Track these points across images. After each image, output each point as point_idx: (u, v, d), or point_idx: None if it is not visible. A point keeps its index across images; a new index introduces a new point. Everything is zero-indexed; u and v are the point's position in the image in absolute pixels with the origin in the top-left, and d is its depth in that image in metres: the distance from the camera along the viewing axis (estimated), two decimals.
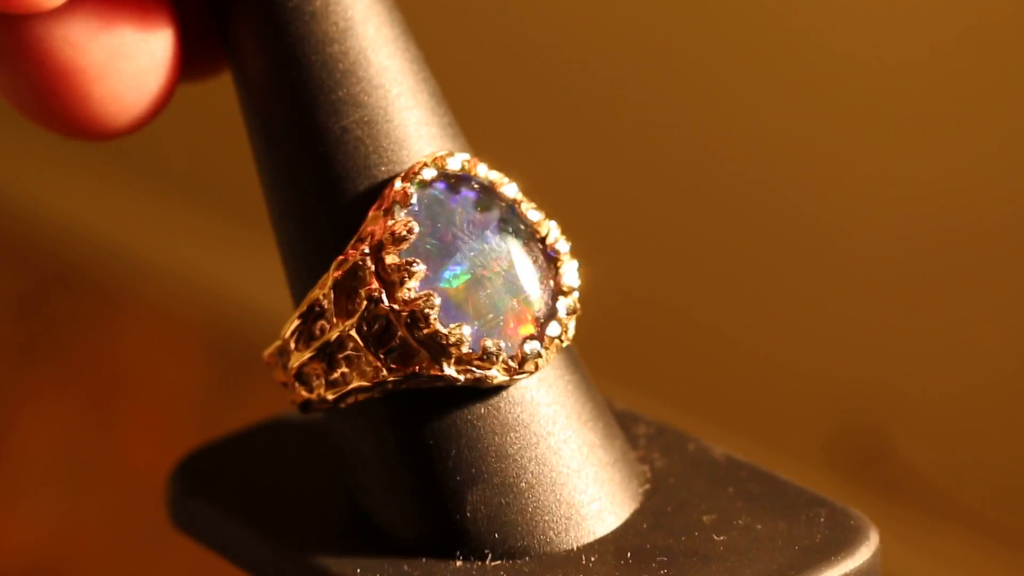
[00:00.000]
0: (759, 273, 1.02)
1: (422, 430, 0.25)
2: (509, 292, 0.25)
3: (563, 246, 0.26)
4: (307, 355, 0.26)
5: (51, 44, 0.25)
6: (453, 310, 0.24)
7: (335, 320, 0.25)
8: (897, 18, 0.91)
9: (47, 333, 1.28)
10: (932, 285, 0.96)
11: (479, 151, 0.26)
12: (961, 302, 0.96)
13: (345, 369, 0.25)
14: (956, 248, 0.95)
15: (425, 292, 0.24)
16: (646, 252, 1.04)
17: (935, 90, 0.92)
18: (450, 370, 0.24)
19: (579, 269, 0.26)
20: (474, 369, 0.24)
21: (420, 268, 0.24)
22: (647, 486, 0.26)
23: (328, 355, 0.25)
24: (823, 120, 0.96)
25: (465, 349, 0.24)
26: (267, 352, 0.27)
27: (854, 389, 1.02)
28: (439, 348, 0.24)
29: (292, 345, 0.26)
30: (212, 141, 1.23)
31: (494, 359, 0.24)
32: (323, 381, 0.25)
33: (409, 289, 0.24)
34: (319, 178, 0.26)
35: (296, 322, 0.26)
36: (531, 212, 0.26)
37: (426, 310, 0.24)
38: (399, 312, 0.24)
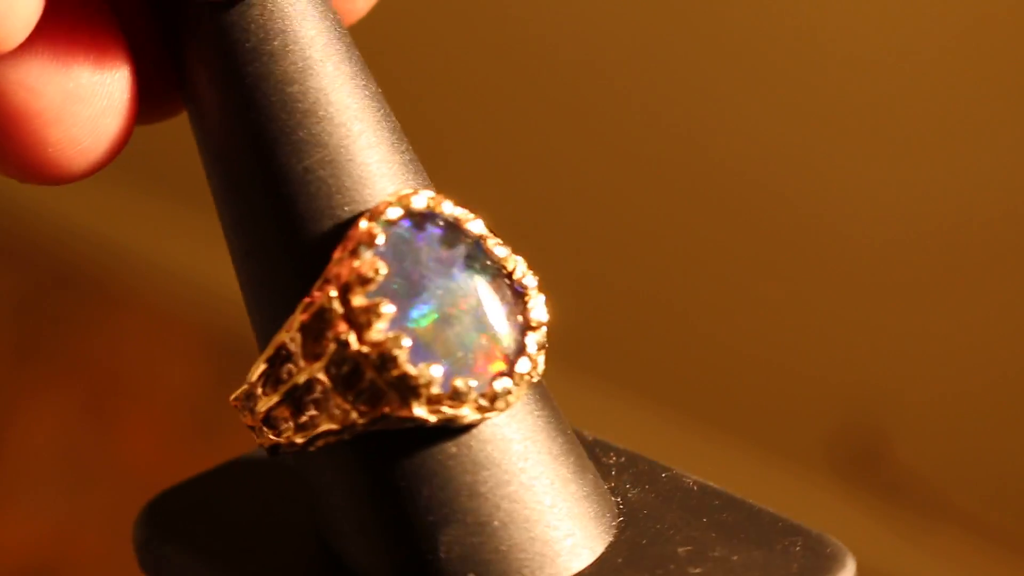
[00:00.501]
0: (759, 275, 1.02)
1: (393, 471, 0.25)
2: (477, 329, 0.24)
3: (530, 281, 0.25)
4: (275, 399, 0.25)
5: (5, 88, 0.24)
6: (422, 350, 0.24)
7: (302, 363, 0.25)
8: (900, 20, 0.91)
9: (47, 333, 1.28)
10: (932, 286, 0.96)
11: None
12: (961, 303, 0.96)
13: (314, 412, 0.25)
14: (956, 250, 0.95)
15: (394, 333, 0.24)
16: (647, 255, 1.04)
17: (935, 94, 0.92)
18: (420, 411, 0.24)
19: (546, 303, 0.25)
20: (445, 409, 0.24)
21: (389, 309, 0.24)
22: (620, 519, 0.26)
23: (296, 399, 0.25)
24: (823, 123, 0.96)
25: (435, 389, 0.24)
26: (233, 396, 0.27)
27: (854, 390, 1.02)
28: (409, 389, 0.24)
29: (259, 390, 0.26)
30: None
31: (464, 398, 0.24)
32: (291, 424, 0.25)
33: (378, 331, 0.24)
34: (282, 220, 0.25)
35: (263, 366, 0.26)
36: (497, 248, 0.25)
37: (395, 351, 0.24)
38: (367, 354, 0.24)
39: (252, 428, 0.26)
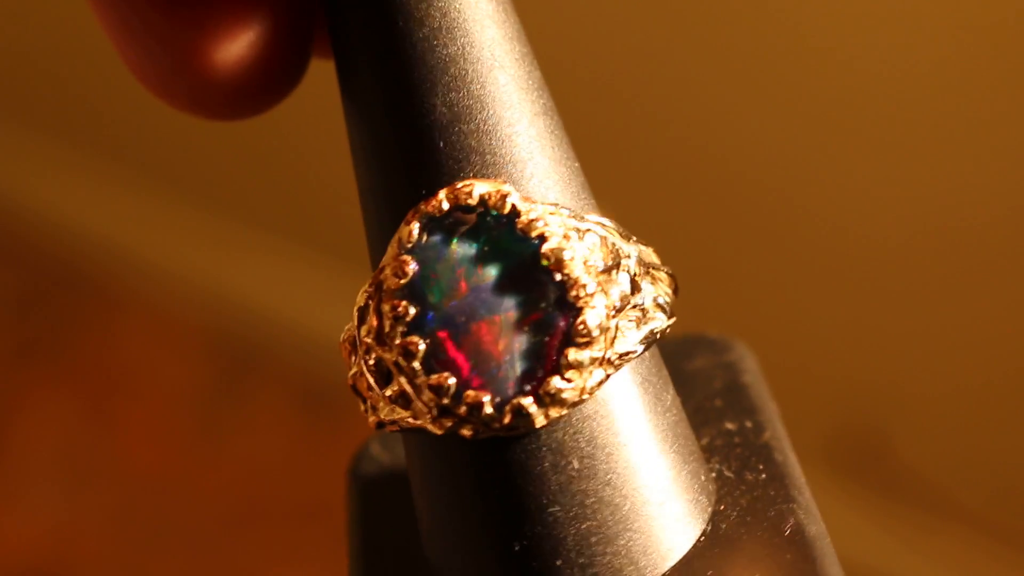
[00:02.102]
0: (759, 274, 1.02)
1: (469, 466, 0.24)
2: (507, 338, 0.23)
3: (585, 290, 0.23)
4: (351, 372, 0.25)
5: (179, 17, 0.24)
6: (443, 356, 0.23)
7: (359, 350, 0.24)
8: (900, 21, 0.91)
9: (47, 333, 1.28)
10: (932, 286, 0.96)
11: None
12: (961, 302, 0.96)
13: (375, 397, 0.24)
14: (956, 249, 0.95)
15: (412, 339, 0.23)
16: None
17: (934, 95, 0.92)
18: (428, 422, 0.23)
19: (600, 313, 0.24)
20: (457, 421, 0.23)
21: (411, 312, 0.23)
22: (701, 540, 0.25)
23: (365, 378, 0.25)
24: (823, 123, 0.96)
25: (446, 401, 0.23)
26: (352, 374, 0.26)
27: (854, 389, 1.02)
28: (424, 394, 0.23)
29: (350, 358, 0.25)
30: (212, 141, 1.23)
31: (478, 413, 0.23)
32: (368, 404, 0.25)
33: (398, 333, 0.23)
34: (401, 189, 0.24)
35: (348, 332, 0.25)
36: (556, 250, 0.24)
37: (412, 359, 0.23)
38: (389, 356, 0.24)
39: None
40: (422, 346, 0.23)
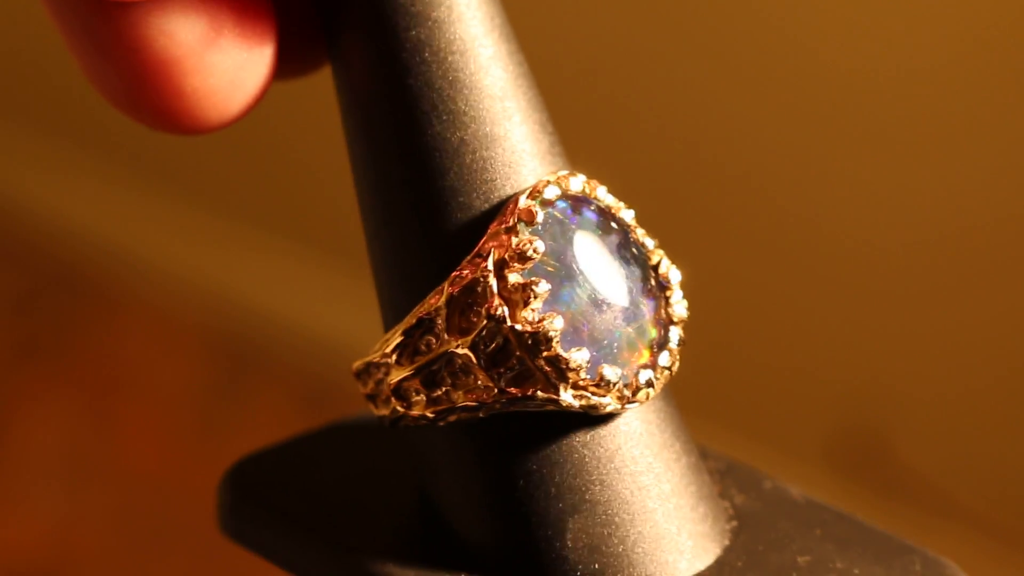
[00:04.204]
0: (760, 275, 1.02)
1: (526, 454, 0.24)
2: (626, 319, 0.24)
3: (675, 275, 0.25)
4: (408, 371, 0.25)
5: (146, 33, 0.24)
6: (571, 334, 0.24)
7: (446, 336, 0.24)
8: (901, 20, 0.91)
9: (47, 333, 1.28)
10: (932, 286, 0.96)
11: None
12: (961, 302, 0.96)
13: (449, 387, 0.24)
14: (956, 249, 0.95)
15: (548, 314, 0.24)
16: None
17: (933, 96, 0.92)
18: (566, 395, 0.24)
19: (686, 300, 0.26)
20: (589, 396, 0.24)
21: (544, 288, 0.24)
22: (733, 523, 0.26)
23: (432, 372, 0.24)
24: (823, 125, 0.96)
25: (583, 375, 0.24)
26: (356, 364, 0.26)
27: (854, 390, 1.02)
28: (558, 372, 0.24)
29: (393, 359, 0.25)
30: (212, 141, 1.23)
31: (610, 387, 0.24)
32: (423, 398, 0.25)
33: (533, 310, 0.24)
34: (430, 190, 0.25)
35: (399, 338, 0.25)
36: (646, 239, 0.25)
37: (549, 333, 0.23)
38: (520, 333, 0.24)
39: (372, 398, 0.26)
40: (559, 323, 0.24)
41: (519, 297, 0.24)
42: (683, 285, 0.26)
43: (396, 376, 0.25)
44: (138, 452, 1.17)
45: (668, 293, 0.25)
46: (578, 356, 0.24)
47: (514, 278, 0.24)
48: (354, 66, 0.25)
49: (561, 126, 0.27)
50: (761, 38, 0.95)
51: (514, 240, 0.24)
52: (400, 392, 0.25)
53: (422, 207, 0.25)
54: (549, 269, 0.24)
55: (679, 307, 0.25)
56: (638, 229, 0.25)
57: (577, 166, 0.27)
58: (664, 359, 0.25)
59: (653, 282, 0.25)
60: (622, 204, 0.25)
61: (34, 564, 1.10)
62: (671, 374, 0.25)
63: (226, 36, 0.24)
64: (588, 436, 0.25)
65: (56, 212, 1.33)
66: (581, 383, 0.24)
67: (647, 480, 0.25)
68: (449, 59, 0.25)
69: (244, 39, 0.25)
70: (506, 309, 0.24)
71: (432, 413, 0.25)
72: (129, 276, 1.30)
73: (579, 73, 1.01)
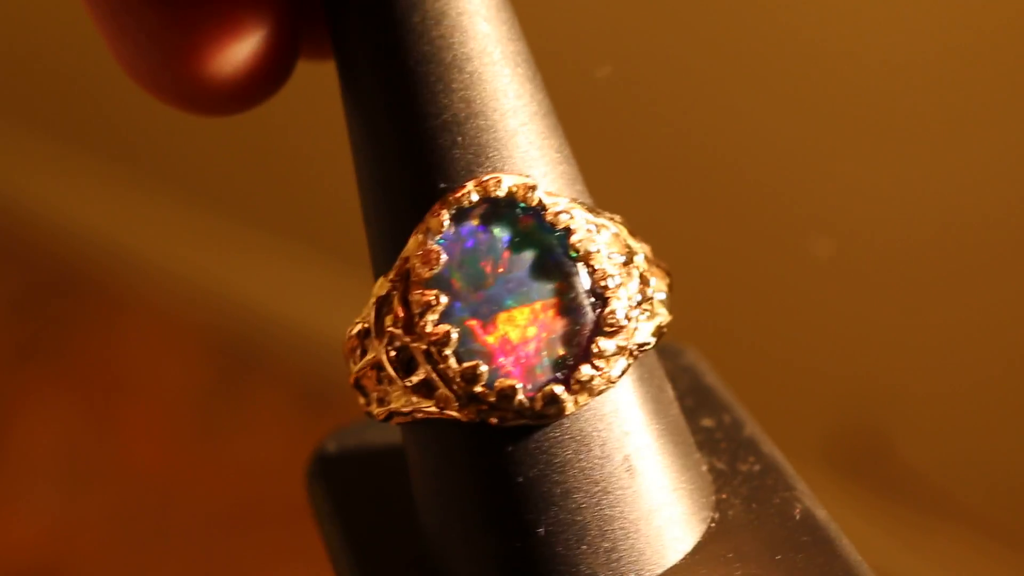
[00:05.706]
0: (759, 274, 1.02)
1: (494, 454, 0.24)
2: (538, 329, 0.24)
3: (612, 282, 0.24)
4: (360, 365, 0.25)
5: (162, 19, 0.24)
6: (473, 345, 0.23)
7: (375, 341, 0.24)
8: (902, 21, 0.91)
9: (47, 333, 1.28)
10: (932, 285, 0.96)
11: None
12: (961, 302, 0.96)
13: (386, 389, 0.24)
14: (955, 248, 0.95)
15: (444, 328, 0.23)
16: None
17: (933, 94, 0.92)
18: (467, 408, 0.24)
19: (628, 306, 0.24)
20: (486, 408, 0.23)
21: (442, 301, 0.23)
22: (711, 524, 0.25)
23: (376, 371, 0.25)
24: (822, 121, 0.96)
25: (478, 388, 0.23)
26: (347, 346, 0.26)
27: (854, 389, 1.02)
28: (456, 384, 0.23)
29: (357, 353, 0.25)
30: (213, 141, 1.23)
31: (510, 400, 0.23)
32: (374, 396, 0.25)
33: (429, 322, 0.23)
34: (433, 190, 0.24)
35: (359, 326, 0.25)
36: (585, 243, 0.24)
37: (443, 345, 0.23)
38: (417, 346, 0.24)
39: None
40: (455, 334, 0.23)
41: (417, 309, 0.24)
42: (630, 295, 0.24)
43: (352, 370, 0.25)
44: (138, 452, 1.17)
45: (606, 298, 0.24)
46: (476, 369, 0.23)
47: (415, 291, 0.24)
48: (358, 61, 0.25)
49: (561, 127, 0.27)
50: (760, 36, 0.95)
51: (419, 251, 0.24)
52: (359, 386, 0.25)
53: (422, 205, 0.25)
54: (455, 278, 0.24)
55: (614, 315, 0.24)
56: (576, 233, 0.24)
57: (580, 166, 0.27)
58: (584, 372, 0.24)
59: (584, 289, 0.24)
60: (564, 204, 0.24)
61: (34, 564, 1.10)
62: (598, 387, 0.24)
63: (252, 17, 0.25)
64: (543, 435, 0.24)
65: (56, 212, 1.33)
66: (480, 396, 0.23)
67: (608, 476, 0.24)
68: (453, 74, 0.25)
69: (249, 27, 0.25)
70: (405, 321, 0.24)
71: (378, 412, 0.25)
72: (129, 276, 1.30)
73: (579, 73, 1.01)
